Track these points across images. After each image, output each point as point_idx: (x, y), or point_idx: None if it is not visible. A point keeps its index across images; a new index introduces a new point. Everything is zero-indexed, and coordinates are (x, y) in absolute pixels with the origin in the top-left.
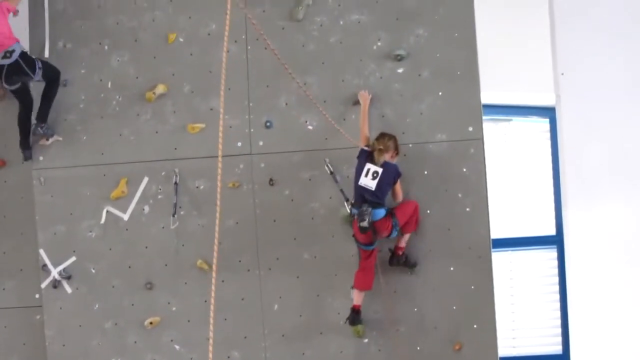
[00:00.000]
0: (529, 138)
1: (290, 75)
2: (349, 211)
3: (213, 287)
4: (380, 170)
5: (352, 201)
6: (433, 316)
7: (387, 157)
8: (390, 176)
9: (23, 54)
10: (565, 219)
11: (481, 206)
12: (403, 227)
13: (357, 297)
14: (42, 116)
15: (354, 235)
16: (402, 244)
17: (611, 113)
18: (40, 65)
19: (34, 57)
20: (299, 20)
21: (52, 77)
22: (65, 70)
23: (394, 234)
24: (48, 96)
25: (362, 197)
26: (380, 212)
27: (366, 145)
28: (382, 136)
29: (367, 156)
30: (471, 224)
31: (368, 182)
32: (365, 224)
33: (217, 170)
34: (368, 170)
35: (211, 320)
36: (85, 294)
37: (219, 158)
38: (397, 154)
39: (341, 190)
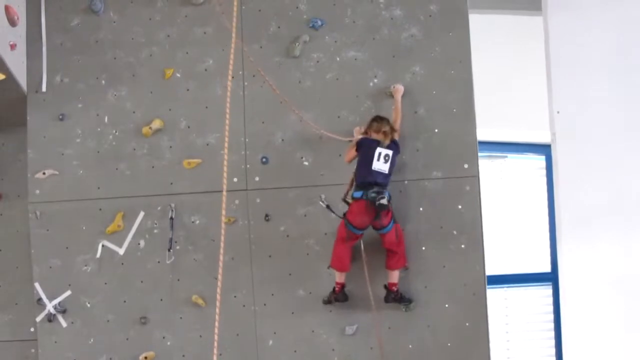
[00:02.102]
0: (524, 175)
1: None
2: (351, 197)
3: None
4: (390, 152)
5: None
6: (428, 353)
7: (389, 139)
8: (395, 156)
9: None
10: (560, 257)
11: (476, 243)
12: (390, 260)
13: (339, 276)
14: None
15: (345, 218)
16: (393, 279)
17: (607, 151)
18: None
19: None
20: (296, 57)
21: None
22: (63, 104)
23: (389, 227)
24: None
25: (373, 182)
26: (388, 194)
27: (365, 132)
28: (380, 121)
29: (372, 142)
30: (466, 261)
31: (381, 166)
32: (384, 201)
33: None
34: (379, 154)
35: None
36: (80, 328)
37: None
38: (393, 134)
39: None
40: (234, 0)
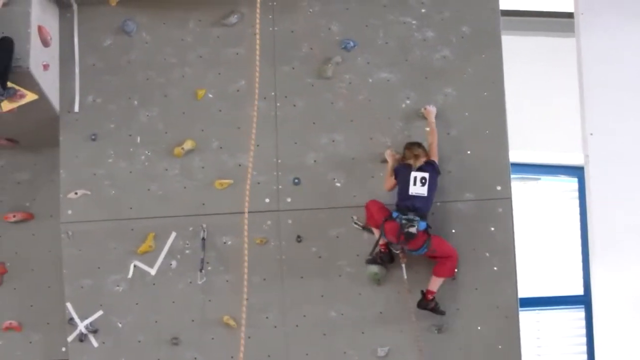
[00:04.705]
0: (557, 197)
1: None
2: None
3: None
4: (427, 175)
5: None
6: None
7: (422, 161)
8: (434, 177)
9: None
10: (593, 279)
11: (509, 265)
12: (435, 268)
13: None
14: (1, 83)
15: (380, 233)
16: (433, 287)
17: None
18: None
19: None
20: (328, 78)
21: (6, 63)
22: (95, 124)
23: (423, 250)
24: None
25: (411, 207)
26: (423, 225)
27: (402, 159)
28: (411, 146)
29: (408, 167)
30: (499, 283)
31: (419, 189)
32: (414, 230)
33: (245, 226)
34: (415, 178)
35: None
36: (111, 348)
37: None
38: (427, 156)
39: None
40: (257, 23)
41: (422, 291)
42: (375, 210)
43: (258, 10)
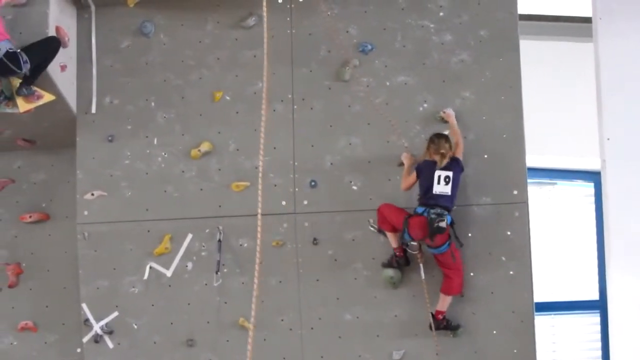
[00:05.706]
0: (573, 202)
1: None
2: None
3: None
4: (450, 173)
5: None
6: None
7: (448, 158)
8: (458, 175)
9: (8, 53)
10: (609, 284)
11: (525, 270)
12: (443, 286)
13: (393, 241)
14: (30, 80)
15: (404, 230)
16: (442, 307)
17: None
18: (25, 58)
19: (17, 50)
20: (346, 81)
21: (45, 59)
22: (112, 126)
23: (442, 249)
24: (40, 66)
25: (435, 204)
26: (450, 218)
27: (426, 153)
28: (438, 140)
29: (432, 164)
30: (514, 287)
31: (442, 188)
32: (444, 224)
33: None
34: (439, 177)
35: None
36: (126, 350)
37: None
38: (452, 152)
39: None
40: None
41: (431, 313)
42: (388, 212)
43: None
